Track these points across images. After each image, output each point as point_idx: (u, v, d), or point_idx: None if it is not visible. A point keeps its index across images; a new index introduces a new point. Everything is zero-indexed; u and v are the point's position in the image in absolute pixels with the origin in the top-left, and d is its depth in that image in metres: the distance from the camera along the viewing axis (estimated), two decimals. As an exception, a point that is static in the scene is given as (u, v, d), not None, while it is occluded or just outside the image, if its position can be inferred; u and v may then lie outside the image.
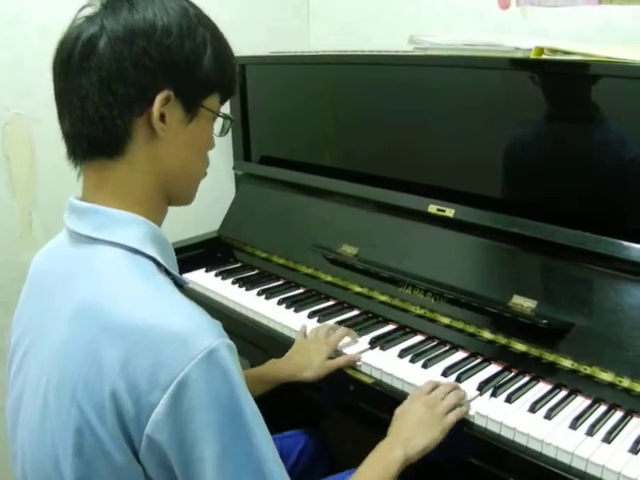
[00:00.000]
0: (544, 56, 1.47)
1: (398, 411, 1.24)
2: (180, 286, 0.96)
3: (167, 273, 0.94)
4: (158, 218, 0.98)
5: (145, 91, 0.89)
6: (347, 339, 1.52)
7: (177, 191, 1.00)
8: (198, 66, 0.93)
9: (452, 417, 1.21)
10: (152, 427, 0.79)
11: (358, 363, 1.45)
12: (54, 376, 0.87)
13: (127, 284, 0.86)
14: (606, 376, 1.27)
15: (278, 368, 1.47)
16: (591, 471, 1.10)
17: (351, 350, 1.50)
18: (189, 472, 0.81)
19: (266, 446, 0.86)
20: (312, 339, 1.52)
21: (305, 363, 1.44)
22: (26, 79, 1.89)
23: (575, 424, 1.19)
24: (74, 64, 0.89)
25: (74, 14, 0.92)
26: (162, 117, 0.91)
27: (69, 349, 0.86)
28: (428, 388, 1.27)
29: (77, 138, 0.92)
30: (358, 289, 1.73)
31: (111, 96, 0.88)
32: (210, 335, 0.82)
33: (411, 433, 1.17)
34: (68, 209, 0.96)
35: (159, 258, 0.92)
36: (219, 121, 1.03)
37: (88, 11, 0.91)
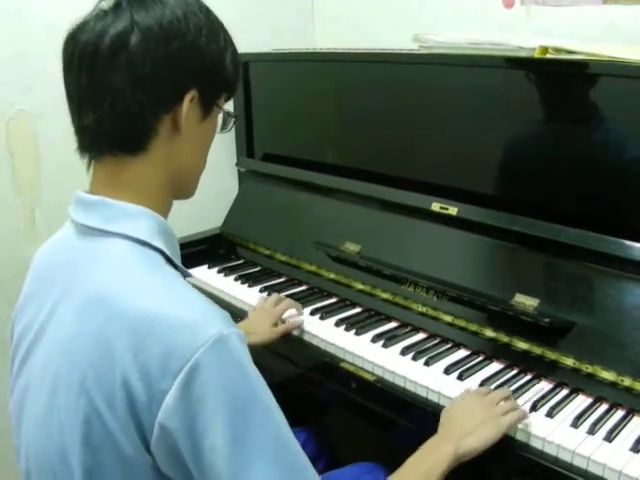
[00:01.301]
0: (548, 55, 1.47)
1: (448, 407, 1.20)
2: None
3: (173, 266, 0.95)
4: (165, 212, 0.99)
5: (176, 90, 0.90)
6: (292, 311, 1.62)
7: (184, 185, 1.02)
8: (222, 67, 0.95)
9: (510, 418, 1.15)
10: (163, 414, 0.80)
11: (360, 361, 1.46)
12: (62, 367, 0.87)
13: (136, 275, 0.87)
14: (607, 375, 1.27)
15: None
16: (592, 469, 1.10)
17: (305, 322, 1.61)
18: (200, 462, 0.81)
19: (287, 432, 0.85)
20: (259, 309, 1.62)
21: (250, 329, 1.50)
22: (30, 75, 1.89)
23: (576, 423, 1.20)
24: (102, 60, 0.87)
25: (94, 5, 0.91)
26: (186, 115, 0.92)
27: (78, 340, 0.86)
28: (484, 390, 1.24)
29: (99, 134, 0.91)
30: (360, 287, 1.73)
31: (144, 94, 0.88)
32: (219, 323, 0.83)
33: (465, 430, 1.12)
34: (75, 202, 0.96)
35: (166, 251, 0.93)
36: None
37: (107, 3, 0.90)
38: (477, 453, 1.10)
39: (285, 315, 1.61)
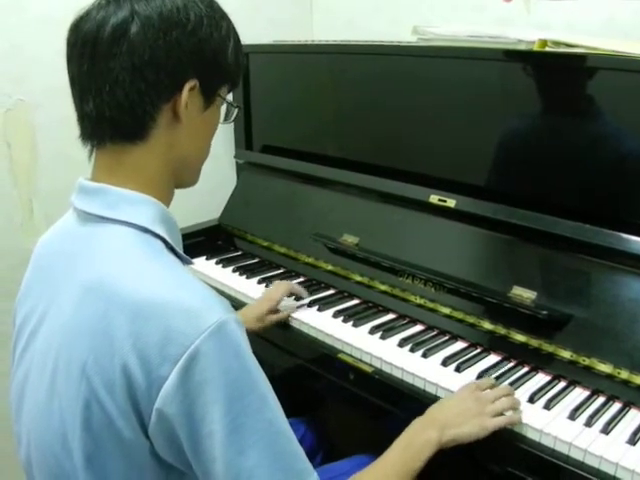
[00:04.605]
0: (547, 48, 1.47)
1: (443, 399, 1.21)
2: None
3: (175, 253, 0.95)
4: (167, 200, 0.99)
5: (176, 79, 0.91)
6: (296, 302, 1.62)
7: (186, 174, 1.02)
8: (223, 57, 0.95)
9: (499, 421, 1.15)
10: (162, 401, 0.80)
11: (358, 353, 1.46)
12: (63, 353, 0.88)
13: (136, 261, 0.87)
14: (605, 367, 1.28)
15: None
16: (589, 461, 1.11)
17: (303, 314, 1.60)
18: (197, 448, 0.82)
19: (282, 419, 0.86)
20: (262, 295, 1.61)
21: (243, 316, 1.50)
22: (27, 65, 1.88)
23: (574, 415, 1.20)
24: (102, 48, 0.88)
25: None
26: (185, 104, 0.92)
27: (79, 326, 0.86)
28: (484, 385, 1.23)
29: (99, 121, 0.91)
30: (359, 278, 1.74)
31: (143, 83, 0.89)
32: (219, 310, 0.83)
33: (450, 420, 1.12)
34: (77, 189, 0.97)
35: (168, 238, 0.93)
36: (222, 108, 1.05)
37: None
38: (459, 443, 1.11)
39: (282, 304, 1.60)
